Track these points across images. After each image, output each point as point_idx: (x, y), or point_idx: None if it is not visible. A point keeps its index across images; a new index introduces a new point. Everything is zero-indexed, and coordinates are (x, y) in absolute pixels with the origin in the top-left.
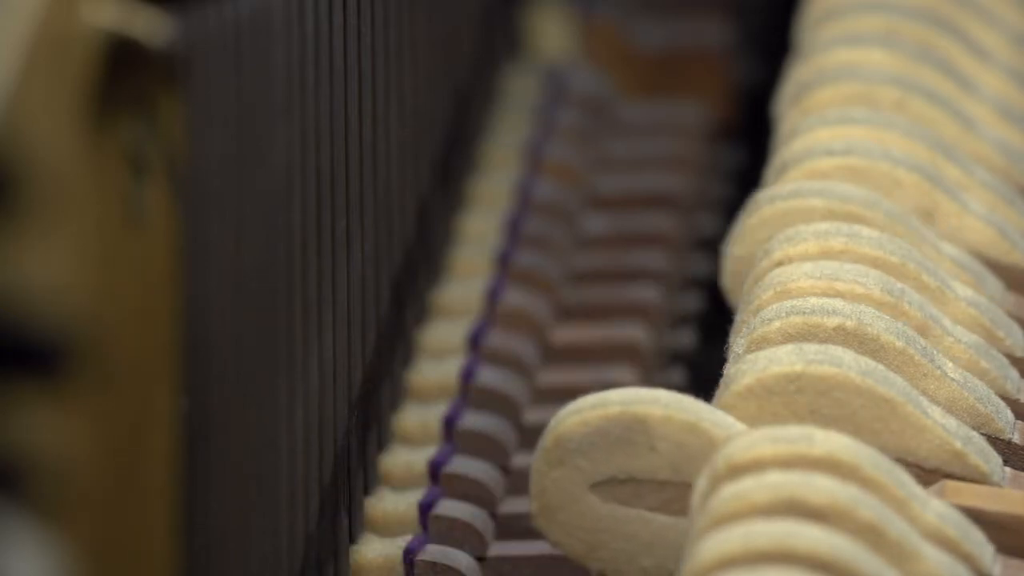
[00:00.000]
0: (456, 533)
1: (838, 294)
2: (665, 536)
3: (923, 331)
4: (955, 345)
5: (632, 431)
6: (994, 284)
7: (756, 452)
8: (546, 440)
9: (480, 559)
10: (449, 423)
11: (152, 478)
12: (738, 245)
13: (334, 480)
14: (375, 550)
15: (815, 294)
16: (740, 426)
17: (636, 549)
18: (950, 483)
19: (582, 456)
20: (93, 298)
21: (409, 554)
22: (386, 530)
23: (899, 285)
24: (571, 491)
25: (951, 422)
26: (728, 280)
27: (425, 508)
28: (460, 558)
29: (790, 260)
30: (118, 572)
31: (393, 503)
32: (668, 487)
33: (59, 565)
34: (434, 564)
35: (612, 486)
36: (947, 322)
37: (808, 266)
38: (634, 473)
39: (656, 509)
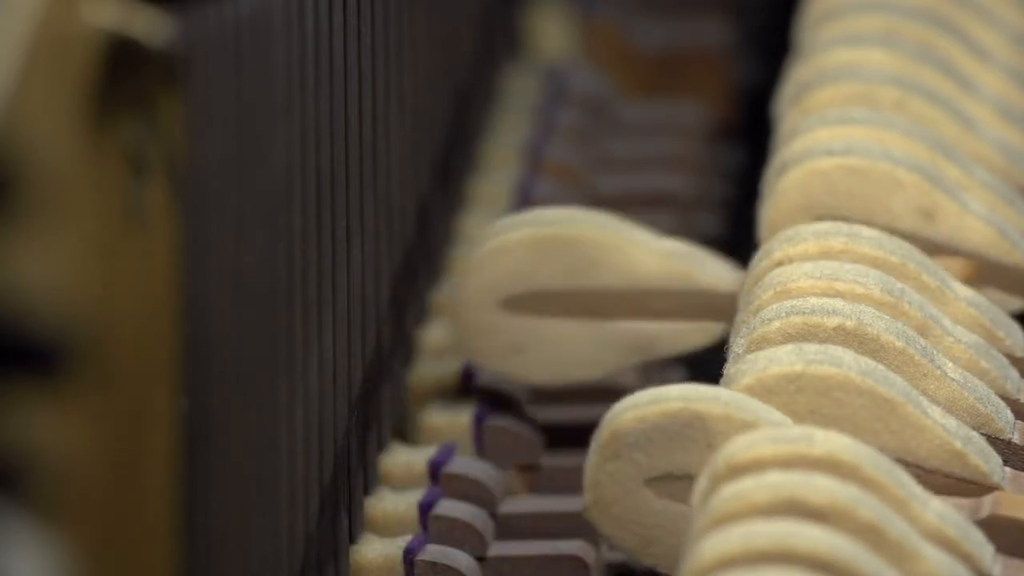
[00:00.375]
0: (456, 533)
1: (838, 294)
2: None
3: (923, 331)
4: (955, 345)
5: (690, 428)
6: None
7: (756, 452)
8: (603, 433)
9: (480, 559)
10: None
11: (152, 478)
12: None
13: (334, 480)
14: (375, 550)
15: (815, 294)
16: (794, 427)
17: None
18: (1004, 495)
19: (639, 451)
20: (93, 298)
21: (409, 554)
22: (386, 530)
23: (899, 285)
24: (626, 485)
25: (951, 422)
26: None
27: (425, 508)
28: (460, 558)
29: (790, 260)
30: (118, 572)
31: (393, 503)
32: None
33: (59, 565)
34: (434, 564)
35: (667, 482)
36: (947, 322)
37: (808, 266)
38: (690, 470)
39: None
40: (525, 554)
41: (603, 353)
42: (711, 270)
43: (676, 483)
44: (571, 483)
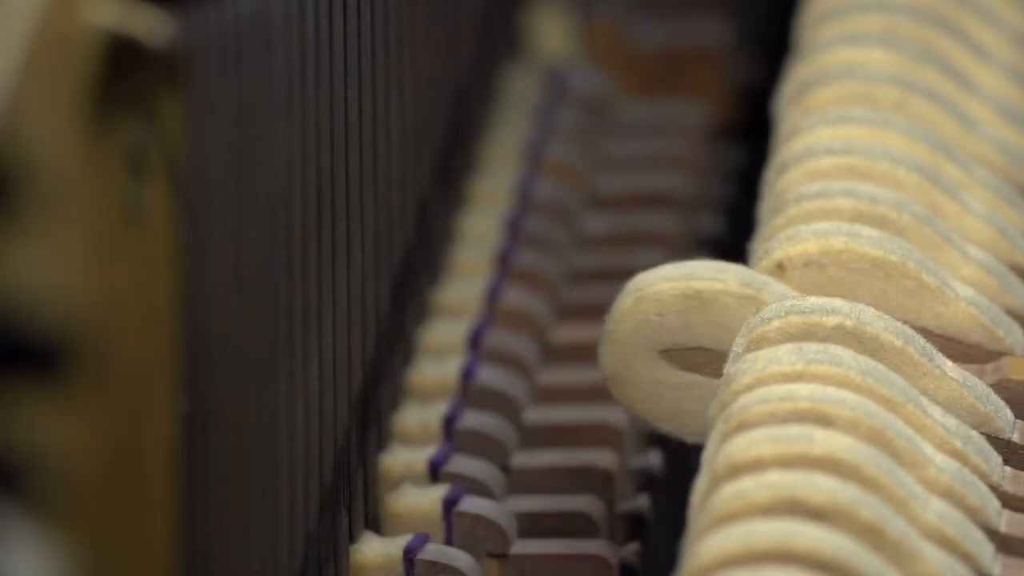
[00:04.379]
0: (480, 531)
1: (696, 292)
2: None
3: None
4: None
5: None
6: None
7: (756, 451)
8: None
9: (502, 556)
10: (449, 422)
11: (152, 478)
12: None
13: (334, 480)
14: (375, 550)
15: (674, 296)
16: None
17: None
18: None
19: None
20: (93, 298)
21: (409, 553)
22: (386, 529)
23: (760, 277)
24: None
25: (951, 421)
26: None
27: (450, 504)
28: (460, 557)
29: (790, 260)
30: (118, 572)
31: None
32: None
33: (59, 565)
34: (434, 563)
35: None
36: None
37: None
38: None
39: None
40: (547, 552)
41: None
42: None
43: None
44: (572, 483)
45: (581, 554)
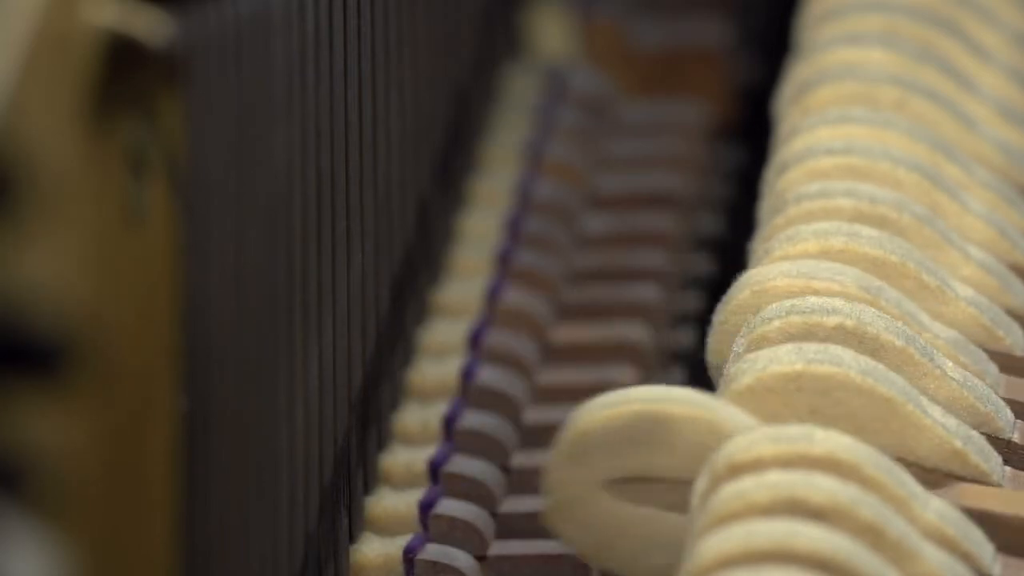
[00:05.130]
0: (457, 532)
1: (815, 292)
2: (678, 535)
3: None
4: (933, 340)
5: (652, 430)
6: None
7: (756, 451)
8: (564, 437)
9: (480, 558)
10: (449, 422)
11: (152, 478)
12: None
13: (334, 480)
14: (375, 550)
15: (793, 293)
16: (760, 426)
17: (648, 548)
18: (966, 486)
19: (599, 453)
20: (93, 298)
21: (409, 553)
22: (386, 530)
23: (876, 282)
24: (584, 488)
25: (951, 421)
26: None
27: (425, 507)
28: (460, 557)
29: (790, 259)
30: (118, 572)
31: (393, 503)
32: (682, 486)
33: (59, 565)
34: (434, 563)
35: (627, 484)
36: (925, 318)
37: (785, 265)
38: (651, 472)
39: (670, 507)
40: (526, 553)
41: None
42: None
43: (635, 485)
44: None
45: (559, 554)
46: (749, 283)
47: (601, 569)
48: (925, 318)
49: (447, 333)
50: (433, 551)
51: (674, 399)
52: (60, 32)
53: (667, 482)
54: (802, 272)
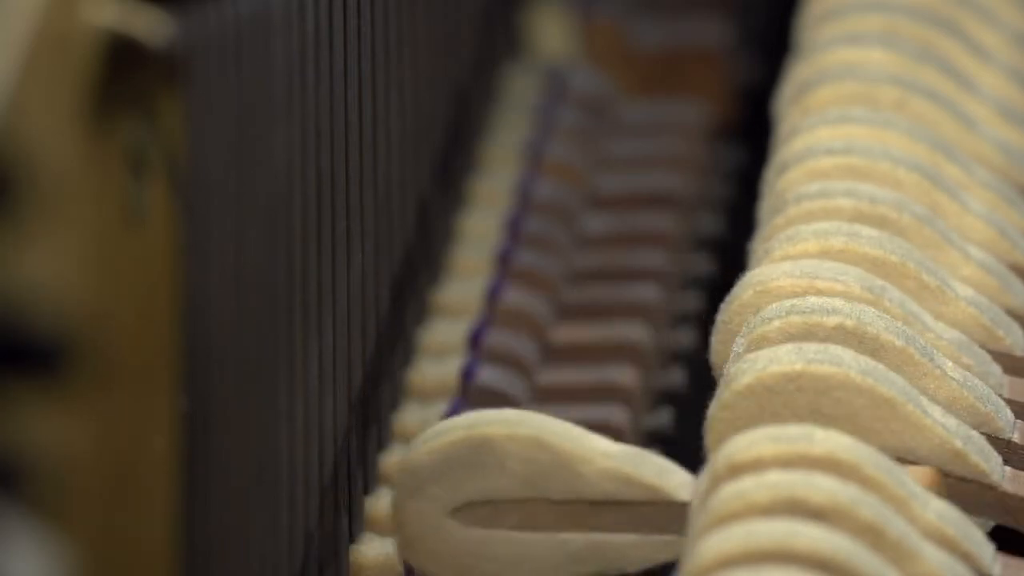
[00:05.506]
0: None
1: (818, 292)
2: (530, 552)
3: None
4: (937, 341)
5: (480, 453)
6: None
7: (756, 451)
8: (399, 474)
9: None
10: None
11: (152, 478)
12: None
13: (334, 480)
14: (375, 550)
15: (796, 293)
16: (589, 436)
17: (503, 569)
18: None
19: (435, 484)
20: (93, 298)
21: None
22: (386, 529)
23: (879, 282)
24: (431, 520)
25: (951, 421)
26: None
27: None
28: None
29: (790, 259)
30: (118, 572)
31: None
32: (526, 504)
33: (59, 565)
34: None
35: (471, 509)
36: (928, 318)
37: (787, 265)
38: (489, 494)
39: (517, 527)
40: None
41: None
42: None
43: (479, 509)
44: None
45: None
46: (752, 283)
47: None
48: (929, 319)
49: (447, 333)
50: None
51: (493, 421)
52: (60, 32)
53: (508, 502)
54: (805, 272)
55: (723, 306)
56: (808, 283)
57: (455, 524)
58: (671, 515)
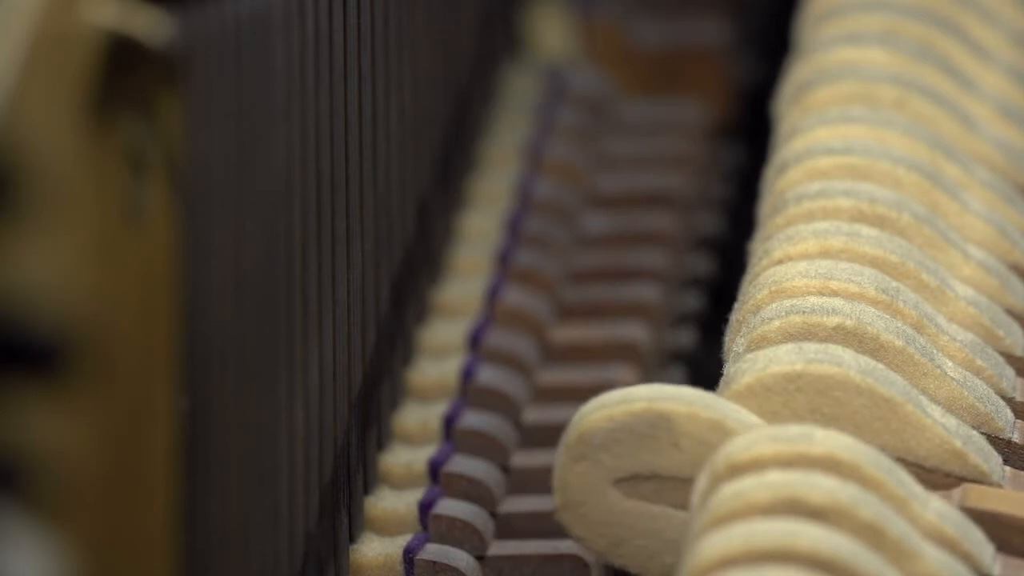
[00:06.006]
0: (456, 532)
1: (833, 293)
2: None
3: (918, 329)
4: (950, 343)
5: (656, 427)
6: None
7: (756, 451)
8: (570, 435)
9: (480, 558)
10: (449, 422)
11: (152, 478)
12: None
13: (334, 480)
14: (375, 550)
15: (810, 293)
16: (762, 424)
17: (658, 546)
18: (970, 487)
19: (606, 451)
20: (93, 297)
21: (409, 553)
22: (386, 529)
23: (894, 284)
24: (594, 486)
25: (951, 421)
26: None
27: (425, 507)
28: (460, 557)
29: (790, 259)
30: (118, 572)
31: (393, 503)
32: (690, 484)
33: (59, 564)
34: (434, 563)
35: (636, 482)
36: (942, 320)
37: (803, 265)
38: (657, 470)
39: (679, 506)
40: (525, 553)
41: None
42: None
43: (644, 483)
44: None
45: (558, 554)
46: (768, 283)
47: (615, 566)
48: (942, 320)
49: (447, 333)
50: (433, 551)
51: (677, 397)
52: (60, 32)
53: (673, 480)
54: (820, 273)
55: (737, 305)
56: (823, 284)
57: (617, 494)
58: None
